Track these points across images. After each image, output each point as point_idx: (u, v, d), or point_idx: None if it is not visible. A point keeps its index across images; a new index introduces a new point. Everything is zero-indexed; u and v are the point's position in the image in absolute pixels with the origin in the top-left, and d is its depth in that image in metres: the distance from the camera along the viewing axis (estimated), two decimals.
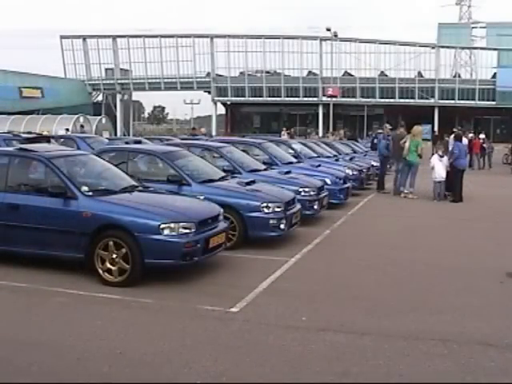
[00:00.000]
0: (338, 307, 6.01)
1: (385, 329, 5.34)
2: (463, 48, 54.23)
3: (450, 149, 15.70)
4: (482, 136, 30.77)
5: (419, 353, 4.77)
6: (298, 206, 9.50)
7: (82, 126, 33.64)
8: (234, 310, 5.72)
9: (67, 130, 31.71)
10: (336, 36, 44.01)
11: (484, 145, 29.38)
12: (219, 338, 5.01)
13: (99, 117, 43.00)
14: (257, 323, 5.39)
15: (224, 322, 5.38)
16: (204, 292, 6.33)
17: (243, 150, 11.87)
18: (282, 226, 8.63)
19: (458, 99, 49.07)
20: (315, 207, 10.64)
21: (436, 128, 43.98)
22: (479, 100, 48.85)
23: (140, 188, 7.55)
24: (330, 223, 10.92)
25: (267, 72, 53.29)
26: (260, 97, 52.44)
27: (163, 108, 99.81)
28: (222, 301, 5.94)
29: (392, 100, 50.02)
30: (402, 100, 49.85)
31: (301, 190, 10.40)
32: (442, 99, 49.52)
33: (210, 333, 5.12)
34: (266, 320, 5.48)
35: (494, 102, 48.58)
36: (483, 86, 49.01)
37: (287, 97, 52.08)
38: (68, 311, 5.65)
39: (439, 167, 14.72)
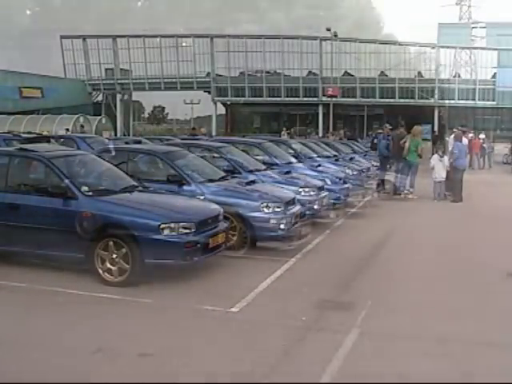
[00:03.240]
0: (337, 307, 6.00)
1: (385, 329, 5.34)
2: (463, 48, 54.08)
3: (450, 149, 15.70)
4: (482, 136, 30.75)
5: (419, 353, 4.77)
6: (298, 206, 9.49)
7: (82, 126, 33.61)
8: (233, 309, 5.72)
9: (67, 130, 31.63)
10: (336, 36, 43.97)
11: (484, 145, 29.36)
12: (219, 338, 5.01)
13: (99, 117, 42.93)
14: (257, 323, 5.39)
15: (224, 322, 5.38)
16: (204, 292, 6.33)
17: (243, 150, 11.84)
18: (282, 226, 8.62)
19: (458, 99, 49.06)
20: (315, 207, 10.63)
21: (436, 128, 43.96)
22: (479, 100, 48.83)
23: (140, 188, 7.55)
24: (329, 223, 10.91)
25: (267, 72, 53.15)
26: (260, 97, 52.30)
27: (163, 108, 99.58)
28: (222, 301, 5.94)
29: (392, 100, 49.89)
30: (402, 100, 49.72)
31: (301, 190, 10.37)
32: (442, 99, 49.51)
33: (210, 333, 5.12)
34: (266, 320, 5.48)
35: (494, 102, 48.53)
36: (483, 86, 48.94)
37: (287, 97, 51.95)
38: (68, 311, 5.65)
39: (439, 167, 14.72)
